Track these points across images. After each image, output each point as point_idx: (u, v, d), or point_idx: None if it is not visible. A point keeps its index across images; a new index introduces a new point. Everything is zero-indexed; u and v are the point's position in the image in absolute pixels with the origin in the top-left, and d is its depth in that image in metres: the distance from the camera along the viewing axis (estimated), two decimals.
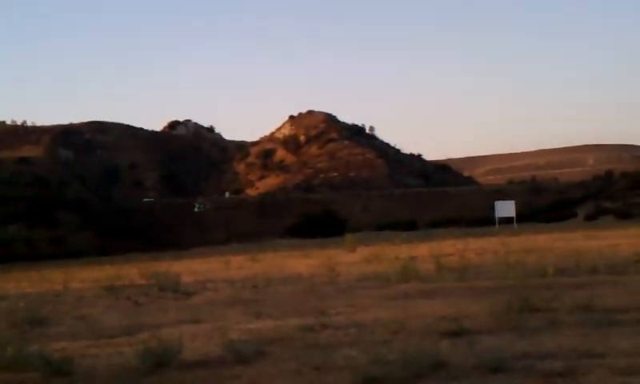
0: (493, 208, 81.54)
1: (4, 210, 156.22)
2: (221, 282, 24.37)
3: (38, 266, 65.36)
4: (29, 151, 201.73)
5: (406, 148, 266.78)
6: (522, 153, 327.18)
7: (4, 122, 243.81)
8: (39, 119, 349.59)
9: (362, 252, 36.68)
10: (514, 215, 78.55)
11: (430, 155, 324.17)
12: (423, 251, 35.01)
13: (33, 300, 21.87)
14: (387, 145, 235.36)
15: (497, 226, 73.65)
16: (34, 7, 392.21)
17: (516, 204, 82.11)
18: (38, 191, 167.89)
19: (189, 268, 36.23)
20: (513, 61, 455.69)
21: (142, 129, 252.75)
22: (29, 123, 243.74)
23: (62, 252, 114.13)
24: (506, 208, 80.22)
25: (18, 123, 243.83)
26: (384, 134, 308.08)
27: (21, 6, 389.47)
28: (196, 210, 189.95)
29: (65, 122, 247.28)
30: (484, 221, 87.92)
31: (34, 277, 41.54)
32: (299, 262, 34.48)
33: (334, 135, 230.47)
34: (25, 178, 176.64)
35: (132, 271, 34.78)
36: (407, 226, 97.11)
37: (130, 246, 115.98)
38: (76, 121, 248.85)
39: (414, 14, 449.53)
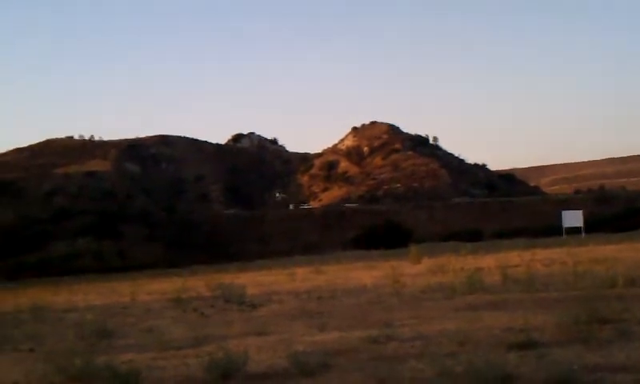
0: (560, 218, 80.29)
1: (72, 224, 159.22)
2: (285, 294, 24.41)
3: (105, 279, 66.40)
4: (96, 165, 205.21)
5: (470, 158, 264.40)
6: (588, 162, 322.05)
7: (72, 136, 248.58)
8: (106, 134, 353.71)
9: (427, 263, 36.42)
10: (582, 225, 77.25)
11: (494, 165, 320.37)
12: (489, 262, 34.62)
13: (101, 312, 22.20)
14: (451, 155, 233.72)
15: (564, 236, 72.51)
16: (100, 24, 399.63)
17: (583, 213, 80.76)
18: (105, 205, 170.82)
19: (253, 280, 36.37)
20: (579, 68, 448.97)
21: (206, 142, 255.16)
22: (96, 138, 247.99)
23: (129, 264, 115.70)
24: (573, 217, 78.94)
25: (86, 138, 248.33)
26: (448, 144, 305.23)
27: (86, 24, 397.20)
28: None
29: (131, 136, 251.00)
30: (551, 231, 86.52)
31: (101, 289, 42.17)
32: (364, 273, 34.35)
33: (397, 146, 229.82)
34: (92, 192, 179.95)
35: (198, 283, 35.06)
36: (472, 236, 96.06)
37: (195, 258, 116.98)
38: (142, 135, 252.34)
39: (477, 24, 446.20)
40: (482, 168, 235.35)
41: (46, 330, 17.45)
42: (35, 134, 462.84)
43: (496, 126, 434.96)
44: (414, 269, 34.66)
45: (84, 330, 15.79)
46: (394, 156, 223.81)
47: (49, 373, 10.50)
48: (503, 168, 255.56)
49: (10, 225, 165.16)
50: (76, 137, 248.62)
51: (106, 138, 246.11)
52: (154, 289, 35.92)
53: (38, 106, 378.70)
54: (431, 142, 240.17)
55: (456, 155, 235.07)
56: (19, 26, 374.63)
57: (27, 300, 31.34)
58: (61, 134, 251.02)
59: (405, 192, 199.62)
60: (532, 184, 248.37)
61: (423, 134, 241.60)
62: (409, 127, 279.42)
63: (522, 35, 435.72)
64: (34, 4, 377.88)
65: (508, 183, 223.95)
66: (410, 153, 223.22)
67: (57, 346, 13.64)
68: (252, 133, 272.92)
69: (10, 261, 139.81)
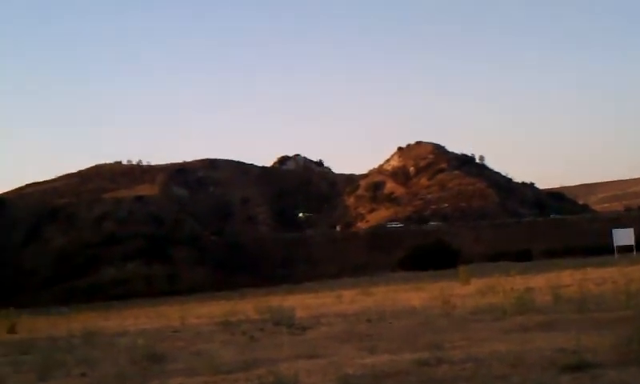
0: (610, 236, 79.10)
1: (122, 248, 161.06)
2: (334, 317, 24.35)
3: (154, 303, 66.92)
4: (144, 190, 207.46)
5: (518, 176, 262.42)
6: (638, 178, 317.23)
7: (120, 162, 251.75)
8: (154, 158, 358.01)
9: (476, 284, 36.11)
10: (633, 243, 76.02)
11: (543, 183, 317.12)
12: (539, 282, 34.22)
13: (151, 336, 22.32)
14: (498, 174, 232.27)
15: (615, 254, 71.41)
16: (148, 52, 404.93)
17: (634, 231, 79.49)
18: (154, 229, 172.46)
19: (302, 302, 36.37)
20: (628, 85, 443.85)
21: (252, 165, 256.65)
22: (144, 163, 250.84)
23: (178, 288, 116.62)
24: (624, 236, 77.61)
25: (134, 163, 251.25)
26: (494, 163, 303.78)
27: (134, 50, 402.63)
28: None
29: (178, 160, 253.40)
30: (601, 249, 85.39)
31: (151, 313, 42.45)
32: (412, 295, 34.17)
33: (443, 166, 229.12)
34: (141, 217, 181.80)
35: (246, 306, 35.14)
36: (521, 256, 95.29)
37: (243, 280, 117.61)
38: (189, 159, 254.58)
39: (523, 43, 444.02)
40: (531, 187, 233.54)
41: (97, 355, 17.60)
42: (84, 159, 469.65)
43: (544, 143, 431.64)
44: (463, 290, 34.39)
45: (135, 354, 15.90)
46: (440, 176, 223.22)
47: None
48: (552, 186, 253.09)
49: (62, 250, 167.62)
50: (124, 162, 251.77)
51: (153, 163, 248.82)
52: (202, 312, 36.08)
53: (86, 131, 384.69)
54: (477, 161, 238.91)
55: (503, 174, 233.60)
56: (69, 55, 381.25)
57: (79, 324, 31.66)
58: (109, 159, 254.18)
59: (452, 212, 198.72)
60: (581, 202, 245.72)
61: (469, 153, 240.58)
62: (454, 146, 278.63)
63: (569, 54, 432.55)
64: (88, 36, 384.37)
65: (557, 201, 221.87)
66: (456, 172, 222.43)
67: (109, 370, 13.76)
68: (297, 155, 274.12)
69: (61, 285, 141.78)
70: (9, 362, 17.56)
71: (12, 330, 32.14)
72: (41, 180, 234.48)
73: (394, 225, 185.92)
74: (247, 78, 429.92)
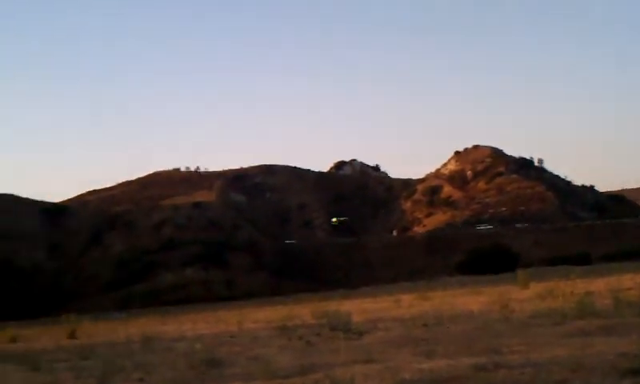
0: None
1: (180, 254, 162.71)
2: (391, 321, 24.24)
3: (212, 307, 67.42)
4: (202, 196, 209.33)
5: (578, 179, 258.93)
6: None
7: (178, 168, 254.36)
8: (211, 165, 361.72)
9: (535, 288, 35.63)
10: None
11: (603, 186, 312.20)
12: (599, 286, 33.67)
13: (208, 341, 22.47)
14: (557, 177, 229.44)
15: None
16: (201, 61, 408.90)
17: None
18: (212, 235, 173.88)
19: (359, 307, 36.31)
20: None
21: (309, 170, 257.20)
22: (202, 169, 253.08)
23: (235, 293, 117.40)
24: None
25: (192, 169, 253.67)
26: (553, 166, 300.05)
27: (187, 62, 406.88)
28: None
29: (236, 166, 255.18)
30: None
31: (208, 318, 42.77)
32: (470, 299, 33.89)
33: (501, 169, 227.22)
34: (199, 222, 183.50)
35: (303, 311, 35.19)
36: (581, 259, 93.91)
37: (299, 285, 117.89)
38: (246, 165, 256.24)
39: (580, 43, 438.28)
40: (590, 190, 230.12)
41: (155, 360, 17.76)
42: (143, 166, 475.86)
43: (603, 145, 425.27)
44: (522, 294, 33.97)
45: (193, 359, 16.00)
46: (499, 179, 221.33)
47: None
48: (612, 189, 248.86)
49: (120, 256, 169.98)
50: (182, 169, 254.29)
51: (211, 169, 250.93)
52: (259, 317, 36.24)
53: (145, 139, 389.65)
54: (536, 164, 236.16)
55: (562, 177, 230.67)
56: (125, 64, 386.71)
57: (137, 330, 32.04)
58: (167, 166, 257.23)
59: (510, 216, 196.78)
60: None
61: (527, 157, 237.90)
62: (512, 150, 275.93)
63: (627, 52, 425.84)
64: (144, 43, 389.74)
65: (618, 205, 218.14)
66: (514, 176, 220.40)
67: (166, 375, 13.86)
68: (354, 160, 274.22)
69: (120, 291, 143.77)
70: (69, 368, 17.81)
71: (72, 335, 32.66)
72: (100, 187, 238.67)
73: (483, 227, 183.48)
74: (303, 84, 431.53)
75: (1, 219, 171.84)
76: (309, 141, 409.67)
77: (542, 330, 17.25)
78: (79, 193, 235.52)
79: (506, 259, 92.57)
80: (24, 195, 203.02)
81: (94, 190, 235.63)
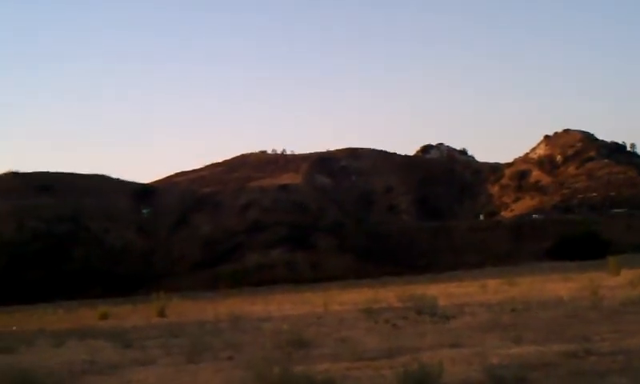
0: None
1: (266, 236, 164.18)
2: (478, 306, 24.05)
3: (298, 289, 67.86)
4: (288, 179, 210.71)
5: None
6: None
7: (265, 151, 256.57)
8: (297, 148, 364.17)
9: (627, 275, 34.89)
10: None
11: None
12: None
13: (295, 322, 22.65)
14: None
15: None
16: (293, 47, 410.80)
17: None
18: (298, 217, 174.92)
19: (444, 291, 36.12)
20: None
21: (395, 153, 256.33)
22: (288, 152, 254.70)
23: (320, 275, 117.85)
24: None
25: (278, 152, 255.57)
26: None
27: (280, 48, 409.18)
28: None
29: (321, 149, 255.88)
30: None
31: (294, 299, 43.09)
32: (559, 285, 33.37)
33: (592, 154, 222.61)
34: (285, 205, 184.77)
35: (388, 294, 35.17)
36: None
37: (384, 269, 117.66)
38: (332, 148, 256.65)
39: None
40: None
41: (243, 339, 18.00)
42: (230, 149, 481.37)
43: None
44: (613, 281, 33.31)
45: (280, 339, 16.16)
46: (589, 164, 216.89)
47: (248, 381, 10.79)
48: None
49: (208, 237, 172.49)
50: (269, 151, 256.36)
51: (297, 152, 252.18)
52: (345, 299, 36.35)
53: (233, 122, 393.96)
54: (629, 149, 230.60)
55: None
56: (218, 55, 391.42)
57: (225, 309, 32.50)
58: (255, 148, 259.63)
59: (601, 201, 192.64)
60: None
61: (620, 141, 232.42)
62: (604, 134, 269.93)
63: None
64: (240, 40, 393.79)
65: None
66: (605, 161, 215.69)
67: (255, 354, 14.02)
68: (441, 144, 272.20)
69: (207, 271, 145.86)
70: (160, 345, 18.20)
71: (162, 313, 33.33)
72: (188, 169, 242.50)
73: (536, 216, 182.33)
74: (391, 68, 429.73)
75: (93, 199, 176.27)
76: (395, 124, 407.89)
77: (633, 317, 16.91)
78: (168, 174, 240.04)
79: (596, 245, 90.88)
80: (115, 176, 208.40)
81: (183, 172, 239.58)
